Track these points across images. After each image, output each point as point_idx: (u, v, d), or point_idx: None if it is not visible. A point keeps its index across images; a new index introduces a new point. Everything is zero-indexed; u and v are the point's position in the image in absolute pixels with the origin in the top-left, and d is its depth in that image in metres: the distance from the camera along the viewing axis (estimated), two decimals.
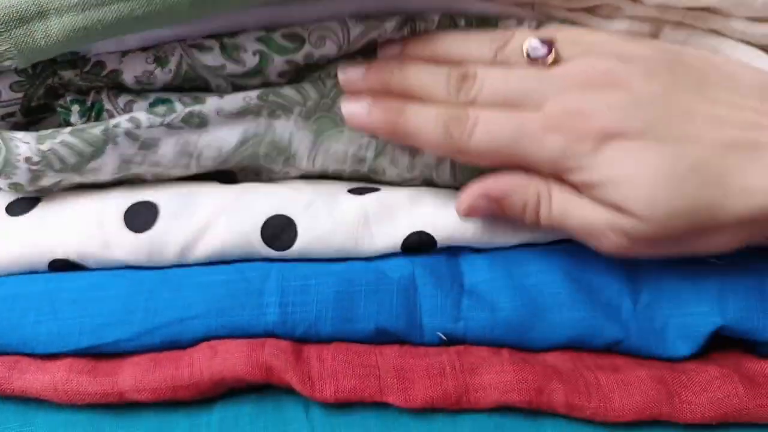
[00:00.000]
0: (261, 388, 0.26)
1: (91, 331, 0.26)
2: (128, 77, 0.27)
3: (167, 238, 0.27)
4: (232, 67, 0.26)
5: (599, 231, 0.24)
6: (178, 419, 0.25)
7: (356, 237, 0.27)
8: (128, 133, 0.26)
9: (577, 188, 0.24)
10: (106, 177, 0.28)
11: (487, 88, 0.25)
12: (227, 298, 0.26)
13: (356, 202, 0.27)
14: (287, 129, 0.27)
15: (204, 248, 0.27)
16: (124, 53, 0.26)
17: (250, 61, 0.26)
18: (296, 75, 0.28)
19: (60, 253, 0.27)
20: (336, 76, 0.27)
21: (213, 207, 0.27)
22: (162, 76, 0.26)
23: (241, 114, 0.26)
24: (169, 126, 0.26)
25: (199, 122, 0.26)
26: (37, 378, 0.25)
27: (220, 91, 0.28)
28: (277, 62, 0.26)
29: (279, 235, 0.27)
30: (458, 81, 0.26)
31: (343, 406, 0.25)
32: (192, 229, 0.27)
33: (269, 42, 0.26)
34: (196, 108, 0.26)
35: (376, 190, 0.28)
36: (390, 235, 0.27)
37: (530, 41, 0.25)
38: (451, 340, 0.26)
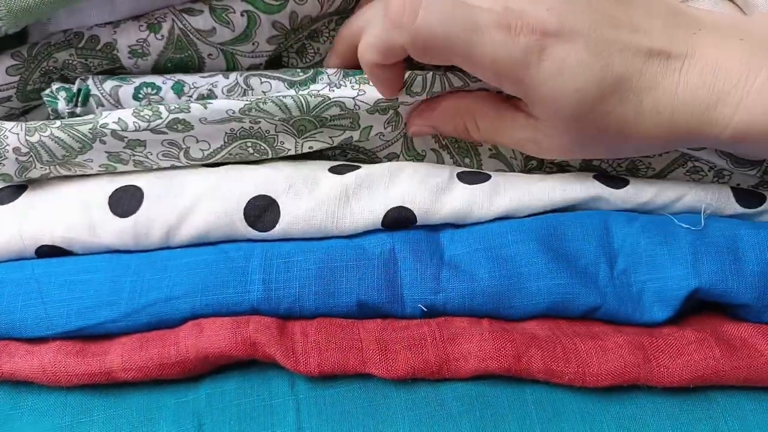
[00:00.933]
0: (247, 365, 0.26)
1: (79, 313, 0.26)
2: (123, 49, 0.27)
3: (152, 221, 0.27)
4: (222, 31, 0.27)
5: (522, 143, 0.27)
6: (165, 397, 0.26)
7: (337, 216, 0.27)
8: (115, 134, 0.26)
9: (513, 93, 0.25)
10: (92, 170, 0.28)
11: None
12: (212, 277, 0.27)
13: (336, 181, 0.28)
14: (272, 126, 0.27)
15: (188, 230, 0.28)
16: (117, 24, 0.27)
17: (239, 23, 0.26)
18: (284, 40, 0.28)
19: (47, 240, 0.28)
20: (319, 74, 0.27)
21: (196, 189, 0.28)
22: (156, 43, 0.27)
23: (224, 122, 0.27)
24: (154, 131, 0.27)
25: (184, 128, 0.27)
26: (25, 361, 0.26)
27: (212, 64, 0.28)
28: (265, 24, 0.27)
29: (261, 216, 0.27)
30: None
31: (327, 379, 0.26)
32: (176, 212, 0.27)
33: (255, 1, 0.26)
34: (181, 116, 0.26)
35: (356, 168, 0.29)
36: (370, 212, 0.28)
37: None
38: (432, 312, 0.27)
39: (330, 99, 0.26)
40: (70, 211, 0.28)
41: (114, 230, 0.28)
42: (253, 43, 0.28)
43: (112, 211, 0.28)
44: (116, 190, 0.28)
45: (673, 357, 0.25)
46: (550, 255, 0.27)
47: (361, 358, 0.25)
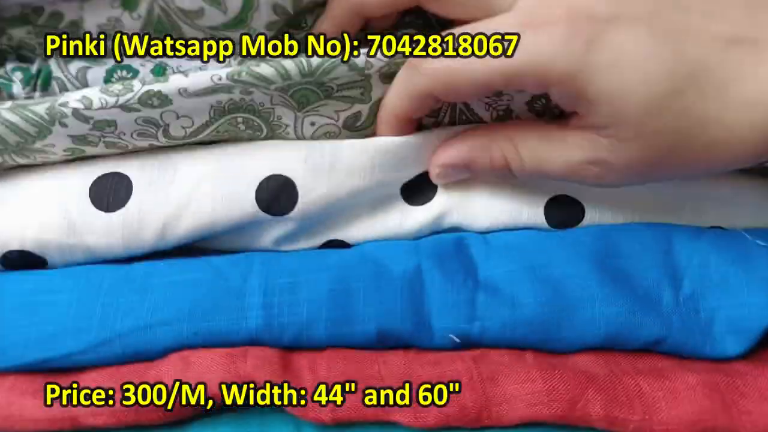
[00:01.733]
0: (243, 407, 0.22)
1: (39, 342, 0.22)
2: (91, 28, 0.23)
3: (145, 215, 0.23)
4: (211, 13, 0.22)
5: (579, 167, 0.22)
6: None
7: (364, 187, 0.24)
8: (77, 114, 0.22)
9: (559, 99, 0.21)
10: (56, 158, 0.24)
11: None
12: (202, 300, 0.22)
13: (362, 146, 0.24)
14: (267, 97, 0.23)
15: (189, 223, 0.24)
16: None
17: (233, 4, 0.22)
18: (282, 29, 0.24)
19: (15, 245, 0.24)
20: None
21: (195, 173, 0.24)
22: (130, 23, 0.22)
23: (208, 93, 0.22)
24: (125, 107, 0.22)
25: (160, 103, 0.22)
26: None
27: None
28: (263, 7, 0.22)
29: (277, 198, 0.23)
30: None
31: (340, 427, 0.21)
32: (173, 202, 0.23)
33: None
34: (155, 87, 0.22)
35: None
36: (399, 180, 0.24)
37: None
38: (466, 343, 0.23)
39: (336, 60, 0.22)
40: (42, 209, 0.24)
41: (99, 228, 0.23)
42: (247, 28, 0.23)
43: (95, 206, 0.23)
44: (98, 179, 0.24)
45: (756, 401, 0.21)
46: (605, 276, 0.23)
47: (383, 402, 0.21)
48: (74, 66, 0.23)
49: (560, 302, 0.22)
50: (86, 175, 0.24)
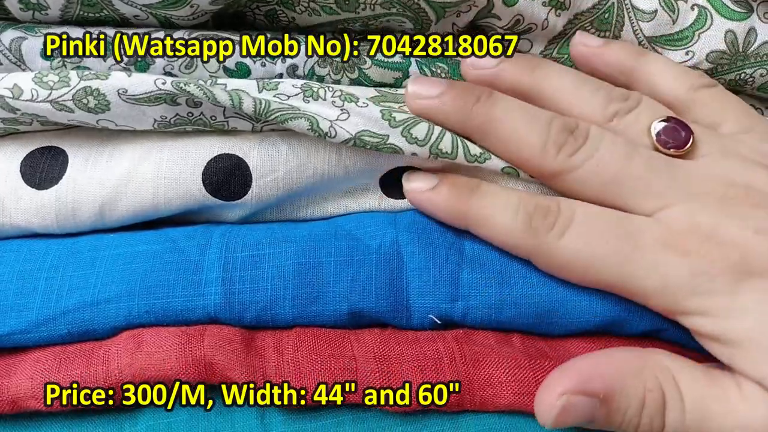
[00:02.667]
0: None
1: None
2: (11, 3, 0.20)
3: (81, 193, 0.21)
4: None
5: None
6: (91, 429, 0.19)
7: (331, 174, 0.22)
8: (4, 102, 0.20)
9: (698, 335, 0.18)
10: None
11: (598, 159, 0.20)
12: (155, 274, 0.20)
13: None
14: (219, 110, 0.21)
15: (129, 205, 0.21)
16: None
17: None
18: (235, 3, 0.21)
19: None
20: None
21: (136, 150, 0.21)
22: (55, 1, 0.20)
23: (150, 101, 0.20)
24: (58, 104, 0.20)
25: (96, 105, 0.20)
26: None
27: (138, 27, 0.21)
28: None
29: (227, 181, 0.21)
30: (562, 133, 0.20)
31: (308, 410, 0.19)
32: (112, 179, 0.21)
33: None
34: (93, 84, 0.20)
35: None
36: (375, 170, 0.22)
37: (662, 120, 0.20)
38: (448, 325, 0.21)
39: (299, 111, 0.20)
40: None
41: (30, 207, 0.21)
42: (192, 6, 0.21)
43: (26, 182, 0.21)
44: (30, 153, 0.22)
45: None
46: None
47: (354, 381, 0.19)
48: (7, 36, 0.21)
49: (554, 281, 0.20)
50: (18, 148, 0.22)
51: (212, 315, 0.20)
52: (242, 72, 0.22)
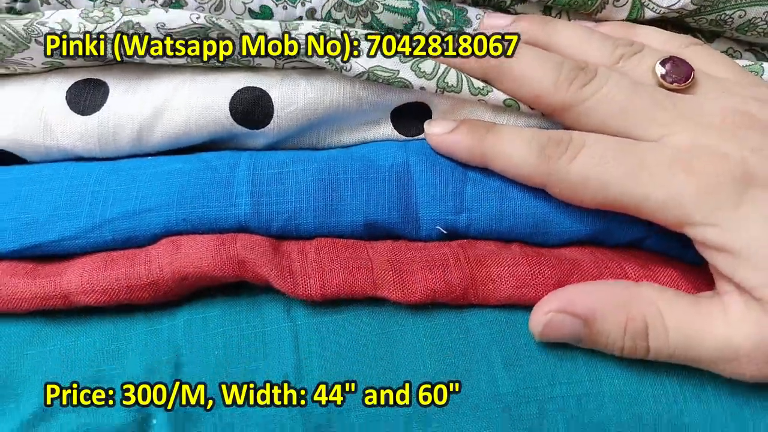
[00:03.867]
0: (233, 290, 0.23)
1: (29, 228, 0.23)
2: None
3: (121, 118, 0.24)
4: None
5: (738, 355, 0.19)
6: (135, 326, 0.22)
7: (346, 105, 0.24)
8: (54, 35, 0.23)
9: (703, 247, 0.20)
10: (35, 70, 0.25)
11: (606, 91, 0.21)
12: (190, 188, 0.23)
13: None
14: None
15: (165, 128, 0.24)
16: None
17: None
18: None
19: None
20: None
21: (171, 81, 0.24)
22: None
23: (185, 35, 0.23)
24: (102, 37, 0.23)
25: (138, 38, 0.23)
26: None
27: None
28: None
29: (252, 110, 0.23)
30: (573, 70, 0.22)
31: (329, 304, 0.22)
32: (149, 107, 0.24)
33: None
34: (135, 18, 0.22)
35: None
36: (388, 104, 0.25)
37: (664, 60, 0.22)
38: (453, 235, 0.23)
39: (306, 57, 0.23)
40: (18, 109, 0.24)
41: (75, 130, 0.24)
42: None
43: (71, 108, 0.24)
44: (75, 83, 0.24)
45: None
46: None
47: (371, 279, 0.22)
48: None
49: (549, 196, 0.23)
50: (64, 80, 0.25)
51: (243, 224, 0.23)
52: (265, 14, 0.25)
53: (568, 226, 0.23)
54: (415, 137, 0.25)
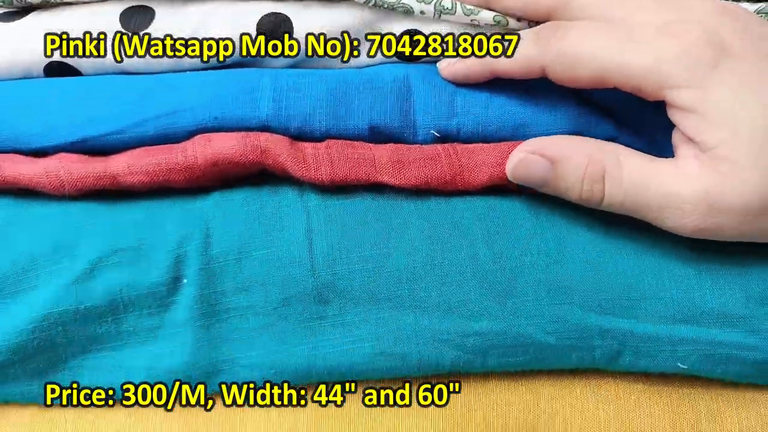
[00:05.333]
0: (257, 180, 0.27)
1: (83, 123, 0.27)
2: None
3: (166, 34, 0.28)
4: None
5: (685, 201, 0.21)
6: (172, 205, 0.26)
7: (358, 23, 0.28)
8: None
9: (676, 110, 0.22)
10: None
11: None
12: (221, 93, 0.27)
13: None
14: None
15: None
16: None
17: None
18: None
19: (56, 56, 0.28)
20: None
21: (207, 7, 0.28)
22: None
23: None
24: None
25: None
26: (28, 167, 0.26)
27: None
28: None
29: (276, 30, 0.28)
30: None
31: (338, 190, 0.26)
32: (189, 27, 0.28)
33: None
34: None
35: None
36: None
37: None
38: (445, 138, 0.27)
39: None
40: (79, 28, 0.28)
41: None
42: None
43: (123, 27, 0.28)
44: (127, 8, 0.28)
45: None
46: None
47: (373, 167, 0.26)
48: None
49: (528, 104, 0.27)
50: (114, 8, 0.29)
51: (265, 123, 0.27)
52: None
53: (544, 128, 0.27)
54: (414, 61, 0.29)
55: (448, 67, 0.27)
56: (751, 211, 0.21)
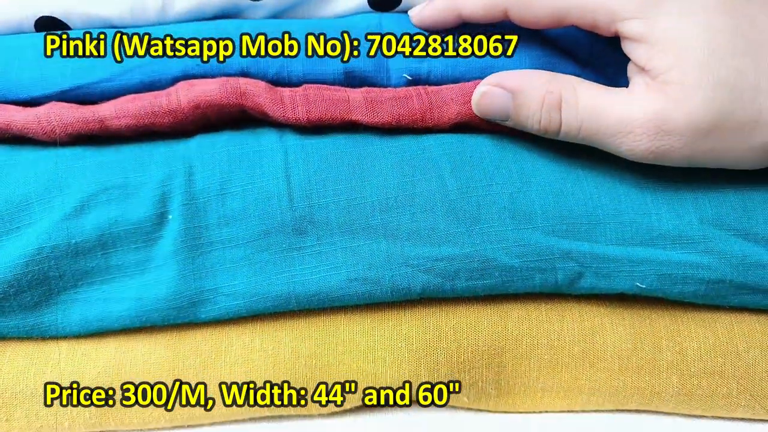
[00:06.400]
0: (237, 125, 0.28)
1: (74, 72, 0.28)
2: None
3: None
4: None
5: (637, 123, 0.23)
6: (157, 147, 0.28)
7: None
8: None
9: (628, 41, 0.24)
10: None
11: None
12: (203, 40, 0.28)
13: None
14: None
15: (183, 3, 0.29)
16: None
17: None
18: None
19: (46, 11, 0.30)
20: None
21: None
22: None
23: None
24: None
25: None
26: (20, 114, 0.28)
27: None
28: None
29: None
30: None
31: (314, 130, 0.27)
32: None
33: None
34: None
35: None
36: None
37: None
38: (417, 81, 0.29)
39: None
40: None
41: (112, 1, 0.29)
42: None
43: None
44: None
45: None
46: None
47: (348, 106, 0.27)
48: None
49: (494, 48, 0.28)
50: None
51: (245, 69, 0.28)
52: None
53: (510, 69, 0.28)
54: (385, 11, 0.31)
55: (417, 14, 0.29)
56: (698, 130, 0.22)
